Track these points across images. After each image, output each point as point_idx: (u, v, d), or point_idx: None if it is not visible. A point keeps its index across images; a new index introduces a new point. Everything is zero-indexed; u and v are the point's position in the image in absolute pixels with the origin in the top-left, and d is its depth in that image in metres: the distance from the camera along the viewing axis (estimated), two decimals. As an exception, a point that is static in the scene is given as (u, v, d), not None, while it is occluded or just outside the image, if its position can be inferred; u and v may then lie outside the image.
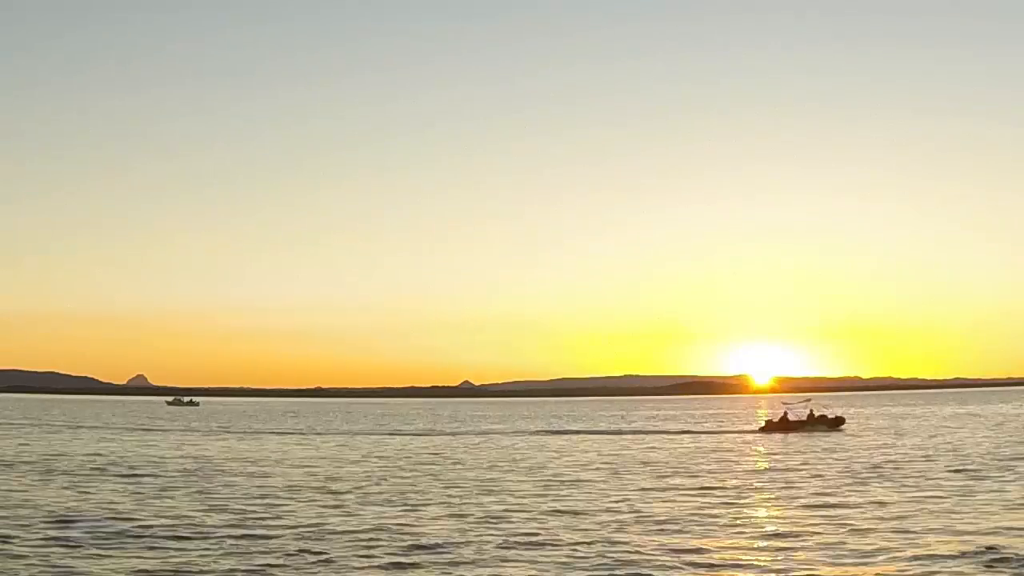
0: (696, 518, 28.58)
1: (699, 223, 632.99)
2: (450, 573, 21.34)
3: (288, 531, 26.85)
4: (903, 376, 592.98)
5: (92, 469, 47.15)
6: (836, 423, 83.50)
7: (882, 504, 30.84)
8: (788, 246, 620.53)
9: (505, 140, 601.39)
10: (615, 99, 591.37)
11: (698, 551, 23.07)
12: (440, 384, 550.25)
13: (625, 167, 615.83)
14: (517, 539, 25.26)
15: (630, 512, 30.02)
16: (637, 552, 23.00)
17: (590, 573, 20.98)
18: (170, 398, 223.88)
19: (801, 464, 47.70)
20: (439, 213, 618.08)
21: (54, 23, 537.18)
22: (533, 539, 25.30)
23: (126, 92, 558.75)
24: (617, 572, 20.95)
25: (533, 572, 21.37)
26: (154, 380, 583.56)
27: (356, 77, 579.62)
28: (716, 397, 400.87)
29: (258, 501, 33.70)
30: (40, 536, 25.84)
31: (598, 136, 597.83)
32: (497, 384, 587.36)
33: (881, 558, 21.86)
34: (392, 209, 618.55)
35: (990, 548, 22.56)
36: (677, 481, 40.32)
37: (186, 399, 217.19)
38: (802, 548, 23.14)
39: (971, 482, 37.40)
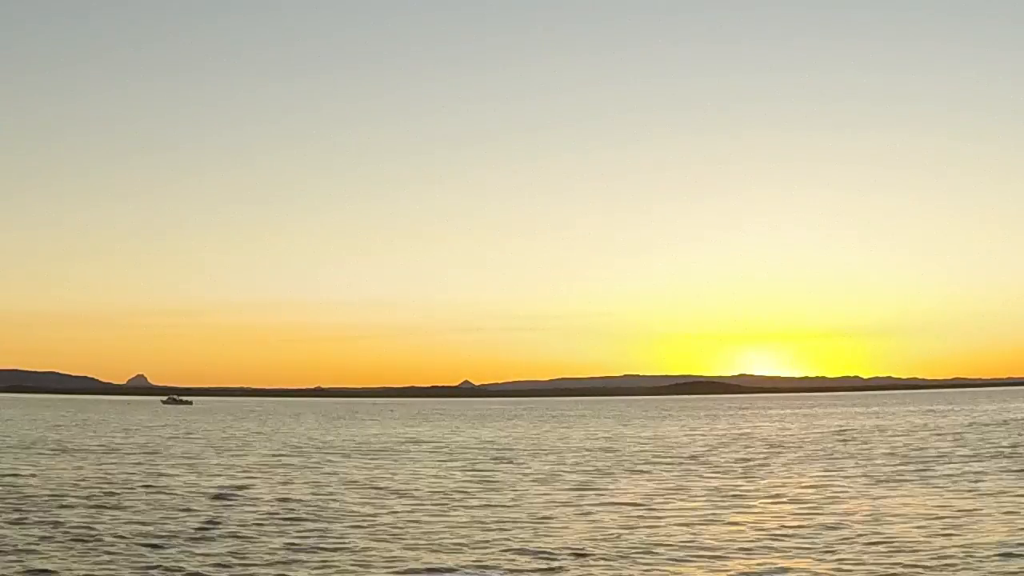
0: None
1: (698, 222, 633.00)
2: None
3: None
4: (903, 376, 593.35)
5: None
6: None
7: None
8: (788, 246, 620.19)
9: (506, 141, 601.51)
10: (612, 97, 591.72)
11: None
12: (440, 384, 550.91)
13: (626, 168, 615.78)
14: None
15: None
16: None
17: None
18: (164, 397, 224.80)
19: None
20: (438, 213, 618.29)
21: (54, 15, 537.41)
22: None
23: (123, 91, 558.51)
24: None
25: None
26: (154, 380, 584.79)
27: (355, 73, 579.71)
28: (716, 397, 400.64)
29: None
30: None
31: (600, 136, 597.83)
32: (497, 384, 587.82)
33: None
34: (393, 209, 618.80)
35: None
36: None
37: (182, 398, 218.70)
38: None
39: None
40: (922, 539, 22.81)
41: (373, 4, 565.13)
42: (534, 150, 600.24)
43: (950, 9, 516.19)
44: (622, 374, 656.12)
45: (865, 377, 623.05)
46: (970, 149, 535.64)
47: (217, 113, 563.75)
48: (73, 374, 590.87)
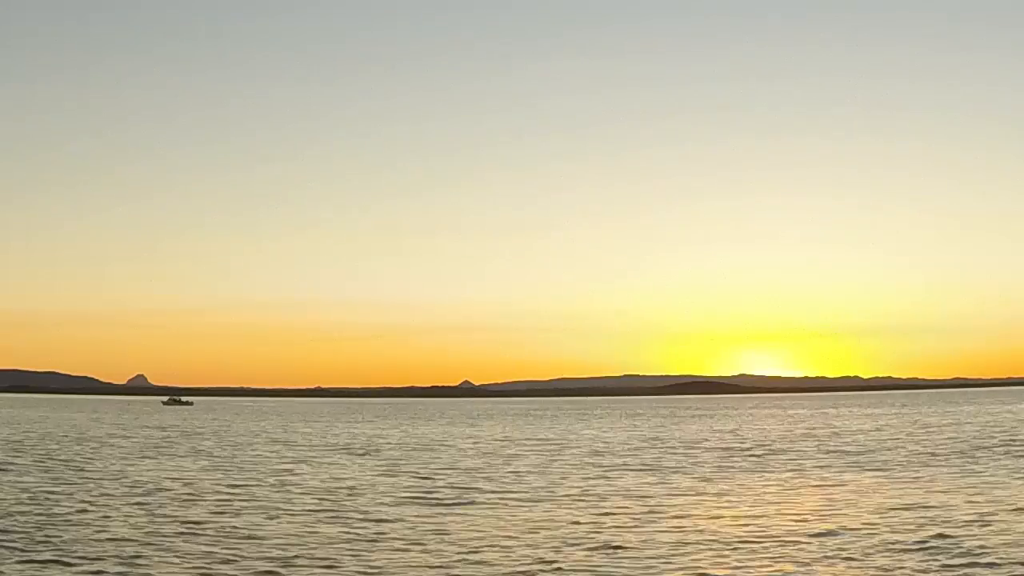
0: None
1: (699, 222, 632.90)
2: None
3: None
4: (903, 376, 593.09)
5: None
6: None
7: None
8: (788, 246, 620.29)
9: (501, 138, 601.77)
10: (611, 99, 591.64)
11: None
12: (440, 384, 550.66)
13: (625, 169, 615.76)
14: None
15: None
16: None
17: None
18: (165, 398, 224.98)
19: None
20: (439, 214, 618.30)
21: (63, 15, 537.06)
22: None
23: (125, 90, 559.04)
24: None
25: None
26: (154, 380, 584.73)
27: (360, 76, 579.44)
28: (715, 397, 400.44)
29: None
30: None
31: (600, 137, 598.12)
32: (497, 384, 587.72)
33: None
34: (393, 210, 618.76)
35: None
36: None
37: (184, 399, 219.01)
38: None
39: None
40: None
41: (379, 11, 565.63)
42: (534, 150, 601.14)
43: (946, 15, 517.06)
44: (622, 374, 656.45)
45: (865, 377, 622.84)
46: (970, 149, 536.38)
47: (220, 114, 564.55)
48: (73, 374, 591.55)
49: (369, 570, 20.74)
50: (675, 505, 30.39)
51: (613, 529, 25.54)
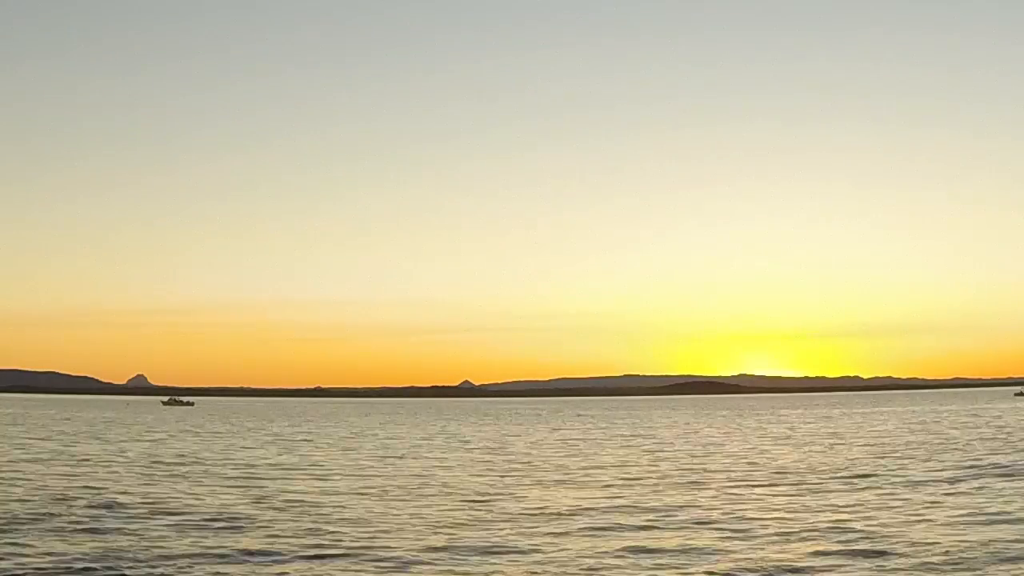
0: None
1: (698, 223, 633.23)
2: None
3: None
4: (903, 376, 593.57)
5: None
6: None
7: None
8: (788, 246, 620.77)
9: (500, 136, 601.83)
10: (612, 96, 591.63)
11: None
12: (440, 384, 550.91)
13: (625, 169, 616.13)
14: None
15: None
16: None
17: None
18: (166, 398, 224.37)
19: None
20: (439, 213, 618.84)
21: (39, 9, 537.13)
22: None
23: (124, 90, 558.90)
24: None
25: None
26: (154, 380, 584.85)
27: (359, 70, 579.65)
28: (716, 397, 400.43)
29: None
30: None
31: (601, 137, 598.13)
32: (497, 384, 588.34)
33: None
34: (392, 209, 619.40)
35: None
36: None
37: (184, 399, 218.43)
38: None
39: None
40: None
41: (360, 5, 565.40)
42: (535, 149, 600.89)
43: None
44: (622, 374, 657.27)
45: (865, 377, 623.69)
46: (970, 149, 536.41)
47: (221, 112, 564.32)
48: (73, 374, 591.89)
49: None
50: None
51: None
